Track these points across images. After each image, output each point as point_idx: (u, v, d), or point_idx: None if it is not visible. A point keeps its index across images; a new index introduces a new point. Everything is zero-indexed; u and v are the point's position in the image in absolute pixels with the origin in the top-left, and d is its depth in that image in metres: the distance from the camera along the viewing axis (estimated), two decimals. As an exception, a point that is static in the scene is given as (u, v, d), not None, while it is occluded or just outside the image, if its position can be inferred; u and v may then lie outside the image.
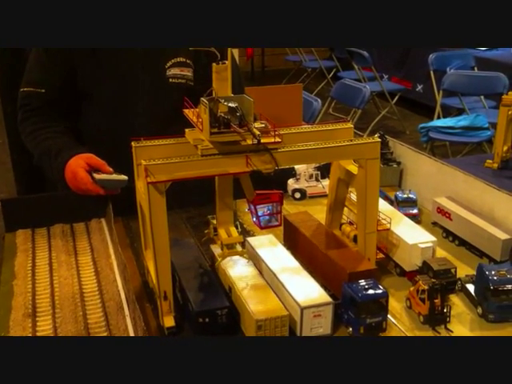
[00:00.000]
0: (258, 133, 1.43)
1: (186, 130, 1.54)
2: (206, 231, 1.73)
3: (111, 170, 1.97)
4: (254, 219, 1.56)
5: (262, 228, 1.58)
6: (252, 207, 1.54)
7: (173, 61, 2.30)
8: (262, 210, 1.54)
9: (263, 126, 1.48)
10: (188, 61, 2.33)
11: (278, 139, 1.48)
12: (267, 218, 1.55)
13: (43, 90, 2.20)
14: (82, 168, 1.98)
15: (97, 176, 1.93)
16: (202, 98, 1.43)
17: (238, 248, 1.65)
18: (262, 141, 1.44)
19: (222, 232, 1.65)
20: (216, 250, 1.78)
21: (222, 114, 1.42)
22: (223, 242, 1.62)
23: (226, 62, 1.46)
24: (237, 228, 1.67)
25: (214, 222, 1.68)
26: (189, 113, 1.53)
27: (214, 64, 1.44)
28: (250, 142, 1.44)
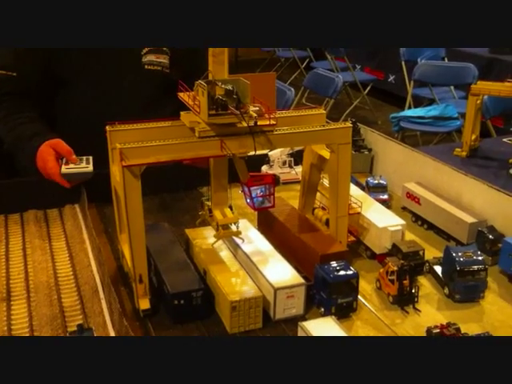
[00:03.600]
0: (254, 115, 1.47)
1: (182, 113, 1.56)
2: (200, 213, 1.75)
3: (76, 158, 1.95)
4: (248, 201, 1.60)
5: (255, 209, 1.64)
6: (246, 189, 1.58)
7: (149, 47, 2.30)
8: (256, 191, 1.58)
9: (257, 109, 1.50)
10: (164, 48, 2.33)
11: (272, 122, 1.51)
12: (260, 199, 1.59)
13: (14, 74, 2.18)
14: (52, 156, 1.97)
15: (63, 170, 1.92)
16: (200, 81, 1.46)
17: (233, 228, 1.67)
18: (258, 123, 1.48)
19: (217, 213, 1.67)
20: (190, 233, 1.80)
21: (220, 97, 1.44)
22: (219, 223, 1.64)
23: None
24: (231, 209, 1.70)
25: (209, 203, 1.70)
26: (184, 96, 1.55)
27: (210, 48, 1.46)
28: (245, 124, 1.47)
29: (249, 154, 1.56)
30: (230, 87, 1.45)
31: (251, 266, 1.62)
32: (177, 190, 2.31)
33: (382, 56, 7.83)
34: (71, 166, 1.94)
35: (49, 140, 2.03)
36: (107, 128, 1.56)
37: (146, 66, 2.31)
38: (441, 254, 1.75)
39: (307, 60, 8.67)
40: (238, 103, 1.46)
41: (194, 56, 2.32)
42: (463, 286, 1.62)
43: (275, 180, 1.60)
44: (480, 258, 1.65)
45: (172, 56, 2.36)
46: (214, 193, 1.69)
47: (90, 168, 1.91)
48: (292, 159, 2.41)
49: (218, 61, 1.49)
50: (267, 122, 1.52)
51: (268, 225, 1.90)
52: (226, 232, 1.66)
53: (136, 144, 1.45)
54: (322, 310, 1.55)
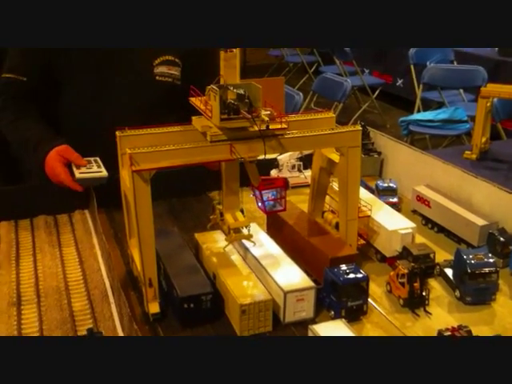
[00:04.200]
0: (266, 119, 1.47)
1: (193, 118, 1.56)
2: (211, 217, 1.76)
3: (85, 162, 1.96)
4: (259, 204, 1.61)
5: (266, 213, 1.64)
6: (257, 193, 1.59)
7: (161, 58, 2.30)
8: (267, 195, 1.58)
9: (269, 112, 1.50)
10: (177, 60, 2.33)
11: (284, 125, 1.51)
12: (272, 203, 1.60)
13: (25, 79, 2.19)
14: (59, 163, 1.98)
15: (77, 175, 1.92)
16: (212, 86, 1.46)
17: (245, 232, 1.67)
18: (270, 127, 1.49)
19: (228, 217, 1.68)
20: (200, 238, 1.80)
21: (231, 101, 1.44)
22: (230, 227, 1.65)
23: (234, 50, 1.48)
24: (242, 213, 1.70)
25: (220, 207, 1.70)
26: (195, 100, 1.56)
27: (222, 52, 1.47)
28: (257, 128, 1.47)
29: (259, 158, 1.56)
30: (241, 91, 1.45)
31: (261, 269, 1.62)
32: (185, 195, 2.31)
33: (390, 60, 7.81)
34: (83, 170, 1.94)
35: (56, 146, 2.04)
36: (117, 133, 1.56)
37: (157, 77, 2.30)
38: (451, 257, 1.74)
39: (315, 65, 8.67)
40: (250, 107, 1.46)
41: (205, 69, 2.32)
42: (474, 289, 1.61)
43: (286, 183, 1.60)
44: (491, 260, 1.64)
45: (184, 67, 2.36)
46: (225, 196, 1.69)
47: (104, 172, 1.91)
48: (301, 163, 2.41)
49: (230, 65, 1.49)
50: (279, 126, 1.52)
51: (277, 228, 1.89)
52: (237, 235, 1.66)
53: (145, 149, 1.46)
54: (332, 313, 1.55)
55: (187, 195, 2.32)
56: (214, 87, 1.45)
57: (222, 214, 1.70)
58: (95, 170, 1.94)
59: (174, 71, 2.33)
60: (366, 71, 8.13)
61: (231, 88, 1.46)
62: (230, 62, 1.49)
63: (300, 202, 2.02)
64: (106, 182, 1.91)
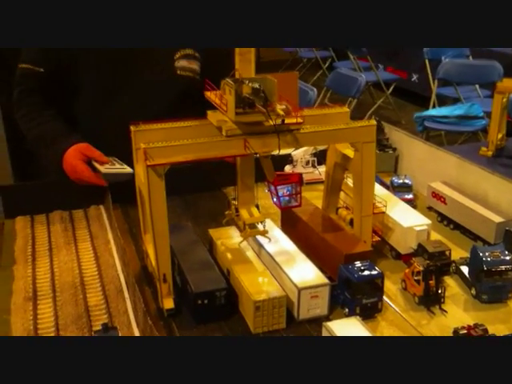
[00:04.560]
0: (282, 113, 1.47)
1: (208, 112, 1.57)
2: (226, 212, 1.76)
3: (107, 159, 1.97)
4: (275, 200, 1.61)
5: (281, 208, 1.65)
6: (272, 188, 1.59)
7: (182, 52, 2.29)
8: (282, 190, 1.59)
9: (284, 107, 1.50)
10: (196, 54, 2.32)
11: (299, 120, 1.51)
12: (287, 198, 1.60)
13: (42, 70, 2.18)
14: (80, 160, 1.98)
15: (103, 170, 1.92)
16: (227, 79, 1.46)
17: (260, 227, 1.67)
18: (285, 121, 1.49)
19: (243, 212, 1.68)
20: (214, 233, 1.81)
21: (247, 95, 1.44)
22: (246, 222, 1.65)
23: None
24: (257, 208, 1.70)
25: (235, 202, 1.70)
26: (211, 95, 1.55)
27: (236, 47, 1.47)
28: (272, 122, 1.47)
29: (273, 154, 1.56)
30: (257, 85, 1.45)
31: (275, 265, 1.62)
32: (198, 191, 2.32)
33: (405, 55, 7.75)
34: (107, 166, 1.95)
35: (75, 143, 2.04)
36: (132, 128, 1.56)
37: (178, 71, 2.30)
38: (467, 254, 1.73)
39: (329, 60, 8.63)
40: (265, 101, 1.46)
41: (223, 65, 2.31)
42: (490, 287, 1.59)
43: (301, 179, 1.60)
44: (507, 257, 1.62)
45: (203, 62, 2.35)
46: (240, 192, 1.69)
47: (129, 169, 1.90)
48: (315, 159, 2.40)
49: (245, 59, 1.49)
50: (294, 120, 1.51)
51: (292, 225, 1.89)
52: (252, 231, 1.66)
53: (160, 144, 1.46)
54: (347, 310, 1.54)
55: (200, 191, 2.32)
56: (230, 81, 1.45)
57: (237, 210, 1.70)
58: (118, 166, 1.95)
59: (194, 65, 2.32)
60: (381, 67, 8.08)
61: (246, 82, 1.45)
62: (245, 57, 1.49)
63: (314, 198, 2.01)
64: (131, 178, 1.91)
